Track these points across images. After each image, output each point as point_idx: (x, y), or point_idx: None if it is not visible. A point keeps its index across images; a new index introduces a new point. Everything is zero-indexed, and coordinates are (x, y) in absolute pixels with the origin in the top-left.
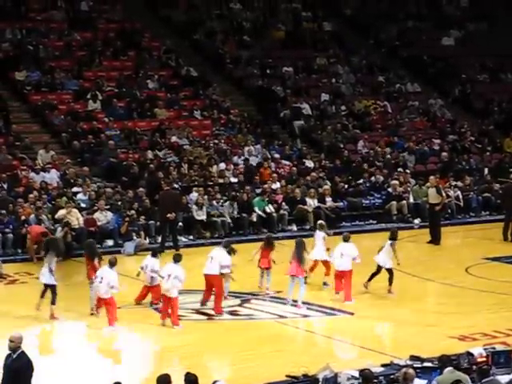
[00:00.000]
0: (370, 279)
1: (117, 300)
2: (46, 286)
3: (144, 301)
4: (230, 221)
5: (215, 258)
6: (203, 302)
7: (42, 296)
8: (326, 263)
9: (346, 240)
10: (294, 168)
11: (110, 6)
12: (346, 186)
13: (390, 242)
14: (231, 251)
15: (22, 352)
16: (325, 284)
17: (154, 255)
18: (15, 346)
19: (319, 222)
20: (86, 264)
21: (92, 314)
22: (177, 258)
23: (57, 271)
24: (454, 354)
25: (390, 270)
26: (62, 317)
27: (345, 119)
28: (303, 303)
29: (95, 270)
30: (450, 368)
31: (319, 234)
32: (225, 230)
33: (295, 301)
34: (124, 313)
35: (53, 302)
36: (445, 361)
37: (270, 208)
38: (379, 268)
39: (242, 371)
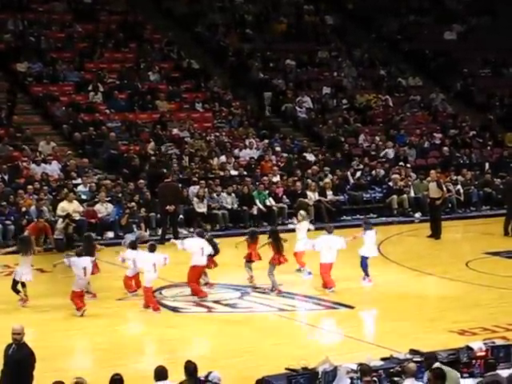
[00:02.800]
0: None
1: (115, 293)
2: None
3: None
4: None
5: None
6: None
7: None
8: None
9: (330, 232)
10: (295, 162)
11: None
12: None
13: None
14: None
15: (24, 343)
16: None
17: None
18: (21, 338)
19: (300, 211)
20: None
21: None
22: (153, 248)
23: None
24: (453, 349)
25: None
26: (60, 309)
27: (346, 113)
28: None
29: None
30: (437, 364)
31: (303, 224)
32: (225, 223)
33: None
34: (122, 305)
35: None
36: (430, 358)
37: (270, 201)
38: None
39: (242, 364)
